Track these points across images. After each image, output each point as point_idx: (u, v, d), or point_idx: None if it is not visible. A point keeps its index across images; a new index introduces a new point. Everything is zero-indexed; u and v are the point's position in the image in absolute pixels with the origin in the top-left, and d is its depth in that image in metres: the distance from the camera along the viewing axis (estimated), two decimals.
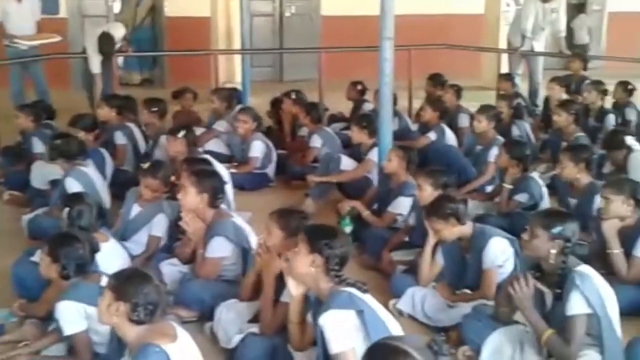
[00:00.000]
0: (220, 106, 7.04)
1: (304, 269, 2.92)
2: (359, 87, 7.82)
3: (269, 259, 3.39)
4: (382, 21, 4.81)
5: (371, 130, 5.55)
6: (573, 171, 4.70)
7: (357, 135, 5.74)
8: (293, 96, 7.04)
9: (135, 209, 4.58)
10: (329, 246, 2.88)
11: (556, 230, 3.11)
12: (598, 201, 4.16)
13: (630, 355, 2.83)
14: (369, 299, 2.85)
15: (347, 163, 5.76)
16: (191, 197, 3.91)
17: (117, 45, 8.06)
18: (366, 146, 5.68)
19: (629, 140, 5.50)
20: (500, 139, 5.79)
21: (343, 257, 2.92)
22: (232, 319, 3.50)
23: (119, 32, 8.21)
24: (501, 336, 3.25)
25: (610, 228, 3.89)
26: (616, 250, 3.87)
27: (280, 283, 3.29)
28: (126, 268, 3.21)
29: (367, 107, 7.54)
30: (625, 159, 5.39)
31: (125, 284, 2.65)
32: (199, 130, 6.33)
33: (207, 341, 3.55)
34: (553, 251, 3.10)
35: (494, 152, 5.59)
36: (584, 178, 4.70)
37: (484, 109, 6.05)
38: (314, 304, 3.02)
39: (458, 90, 7.42)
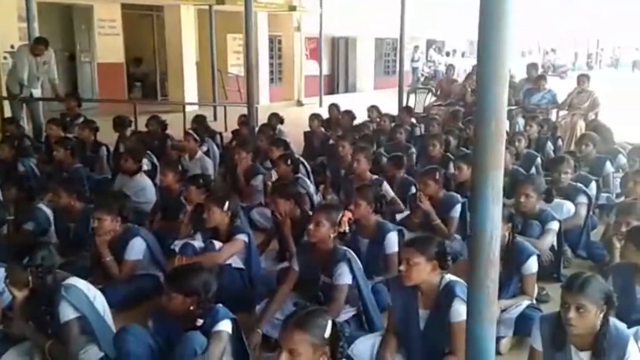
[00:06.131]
0: None
1: None
2: None
3: None
4: None
5: None
6: (68, 200, 5.39)
7: None
8: None
9: None
10: None
11: (26, 260, 3.53)
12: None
13: None
14: None
15: None
16: None
17: None
18: None
19: None
20: None
21: None
22: None
23: None
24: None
25: (100, 242, 4.64)
26: (108, 258, 4.63)
27: None
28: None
29: None
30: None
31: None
32: None
33: None
34: (30, 278, 3.53)
35: None
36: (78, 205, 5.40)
37: None
38: None
39: None
